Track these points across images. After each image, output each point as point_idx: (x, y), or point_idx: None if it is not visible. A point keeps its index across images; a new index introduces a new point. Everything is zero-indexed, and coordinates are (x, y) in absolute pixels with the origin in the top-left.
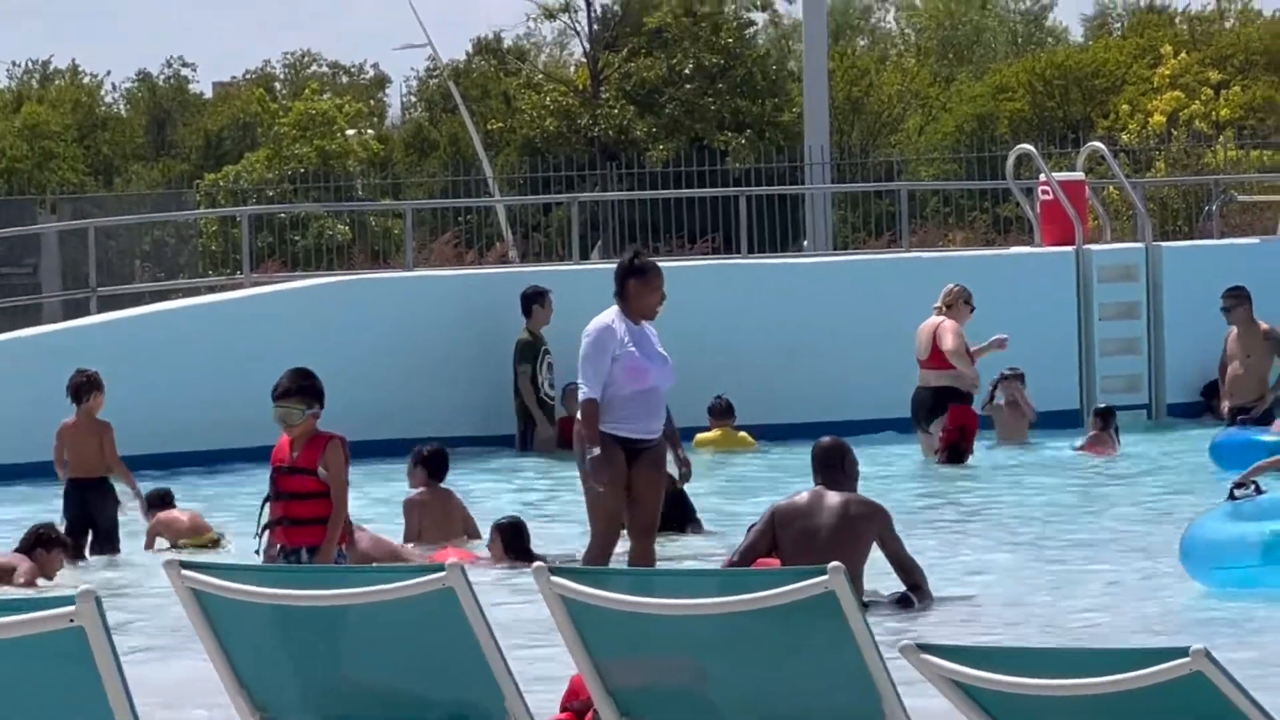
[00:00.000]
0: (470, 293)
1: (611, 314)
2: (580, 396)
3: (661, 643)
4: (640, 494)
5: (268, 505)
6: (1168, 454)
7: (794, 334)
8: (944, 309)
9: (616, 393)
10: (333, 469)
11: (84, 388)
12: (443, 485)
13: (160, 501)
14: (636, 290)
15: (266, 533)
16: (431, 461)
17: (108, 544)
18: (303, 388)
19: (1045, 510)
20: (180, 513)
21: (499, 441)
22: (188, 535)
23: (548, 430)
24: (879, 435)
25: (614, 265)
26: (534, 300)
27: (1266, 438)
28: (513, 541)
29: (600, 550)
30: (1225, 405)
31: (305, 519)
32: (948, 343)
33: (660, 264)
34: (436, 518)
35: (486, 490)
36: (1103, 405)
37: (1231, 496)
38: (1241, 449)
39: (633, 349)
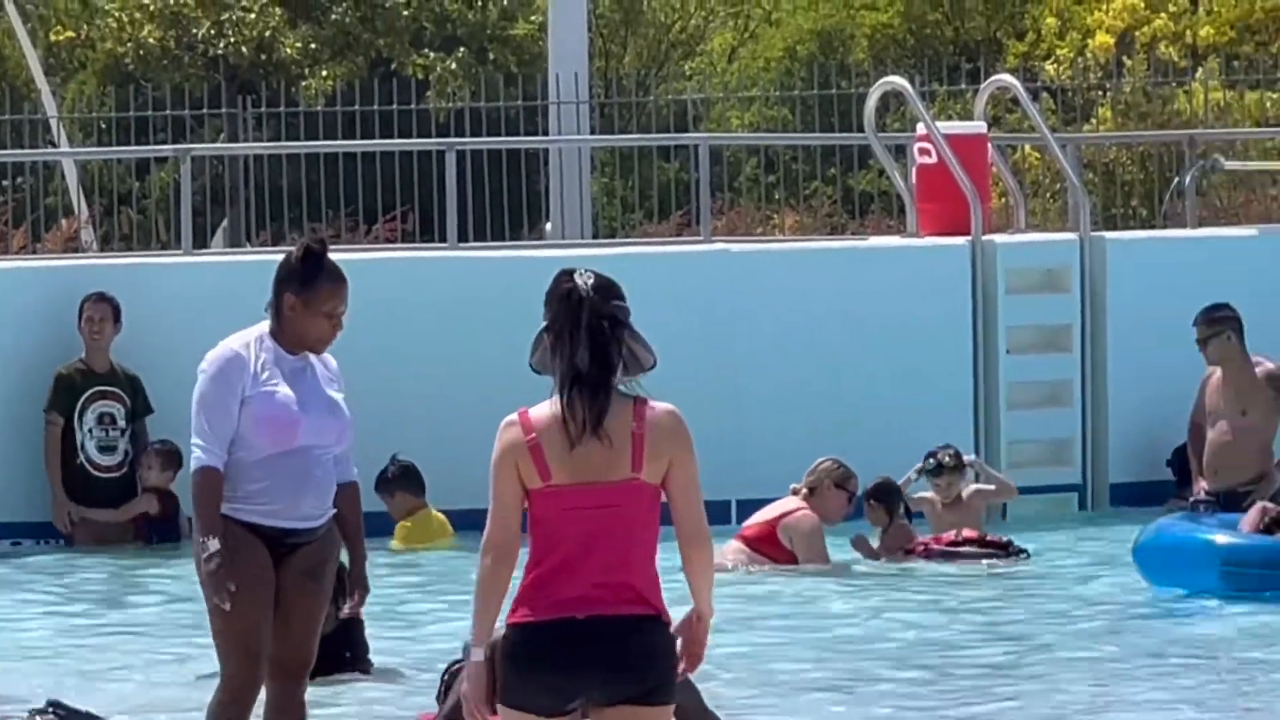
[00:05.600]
0: (16, 295)
1: (251, 336)
2: (193, 463)
3: None
4: (290, 613)
5: None
6: (1100, 566)
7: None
8: (806, 491)
9: (247, 455)
10: None
11: None
12: None
13: None
14: (299, 306)
15: None
16: None
17: None
18: None
19: None
20: None
21: (42, 532)
22: None
23: (99, 516)
24: None
25: (252, 258)
26: (86, 308)
27: (1218, 538)
28: None
29: (236, 695)
30: (1201, 486)
31: None
32: (800, 547)
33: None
34: None
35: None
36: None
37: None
38: (1177, 552)
39: (275, 386)
